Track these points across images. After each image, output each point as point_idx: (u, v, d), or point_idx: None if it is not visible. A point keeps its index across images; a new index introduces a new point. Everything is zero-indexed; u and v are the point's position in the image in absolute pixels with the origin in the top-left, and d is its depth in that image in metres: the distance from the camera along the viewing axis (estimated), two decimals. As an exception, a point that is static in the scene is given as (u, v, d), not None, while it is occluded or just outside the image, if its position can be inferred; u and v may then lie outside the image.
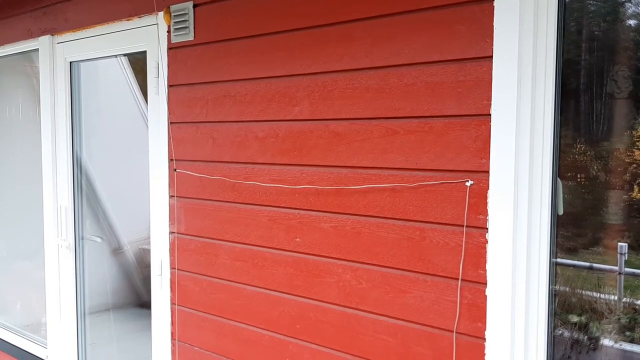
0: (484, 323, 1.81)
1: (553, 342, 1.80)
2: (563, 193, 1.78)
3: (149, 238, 2.87)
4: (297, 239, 2.27)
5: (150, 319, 2.89)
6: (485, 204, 1.78)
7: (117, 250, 4.18)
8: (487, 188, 1.78)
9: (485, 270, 1.80)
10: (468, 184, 1.82)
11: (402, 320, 2.00)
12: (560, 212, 1.78)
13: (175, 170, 2.66)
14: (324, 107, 2.15)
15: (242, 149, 2.42)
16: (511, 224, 1.73)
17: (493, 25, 1.73)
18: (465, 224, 1.83)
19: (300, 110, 2.22)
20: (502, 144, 1.74)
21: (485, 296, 1.80)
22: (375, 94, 2.01)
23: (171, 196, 2.71)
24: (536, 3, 1.69)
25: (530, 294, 1.76)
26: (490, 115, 1.76)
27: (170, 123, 2.68)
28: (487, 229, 1.78)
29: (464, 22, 1.79)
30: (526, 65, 1.71)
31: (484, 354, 1.81)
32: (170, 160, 2.69)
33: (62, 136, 3.34)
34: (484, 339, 1.81)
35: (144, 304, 3.61)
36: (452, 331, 1.88)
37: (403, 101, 1.95)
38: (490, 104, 1.75)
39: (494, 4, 1.72)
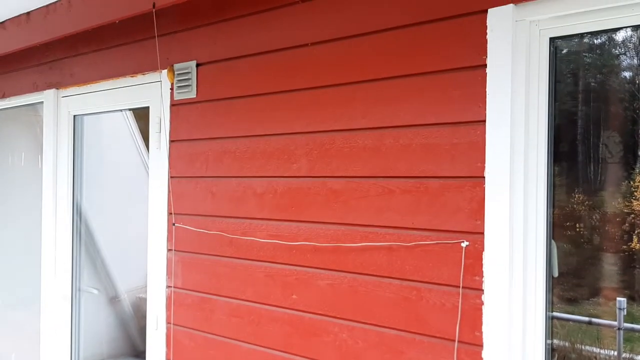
0: (481, 387, 1.79)
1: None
2: (557, 255, 1.79)
3: (146, 287, 2.86)
4: (294, 296, 2.27)
5: (145, 374, 2.85)
6: (481, 265, 1.79)
7: (114, 299, 4.14)
8: (483, 249, 1.79)
9: (482, 332, 1.79)
10: (464, 244, 1.83)
11: (399, 381, 1.98)
12: (555, 274, 1.79)
13: (174, 224, 2.68)
14: (321, 165, 2.18)
15: (241, 204, 2.44)
16: (507, 286, 1.73)
17: (486, 91, 1.78)
18: (461, 285, 1.83)
19: (298, 167, 2.25)
20: (496, 206, 1.76)
21: (482, 359, 1.78)
22: (372, 154, 2.05)
23: (169, 250, 2.71)
24: (527, 70, 1.75)
25: (526, 357, 1.74)
26: (484, 177, 1.79)
27: (171, 177, 2.71)
28: (483, 290, 1.79)
29: (458, 87, 1.85)
30: (518, 128, 1.75)
31: (482, 419, 1.78)
32: (170, 214, 2.71)
33: (63, 187, 3.37)
34: (481, 403, 1.78)
35: (139, 354, 3.56)
36: (449, 394, 1.85)
37: (399, 161, 1.98)
38: (484, 167, 1.79)
39: (487, 71, 1.78)
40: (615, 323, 1.94)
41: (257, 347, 2.37)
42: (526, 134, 1.75)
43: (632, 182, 1.84)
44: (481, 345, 1.79)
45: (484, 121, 1.78)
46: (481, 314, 1.79)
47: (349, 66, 2.11)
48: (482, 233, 1.79)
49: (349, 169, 2.11)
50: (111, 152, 4.19)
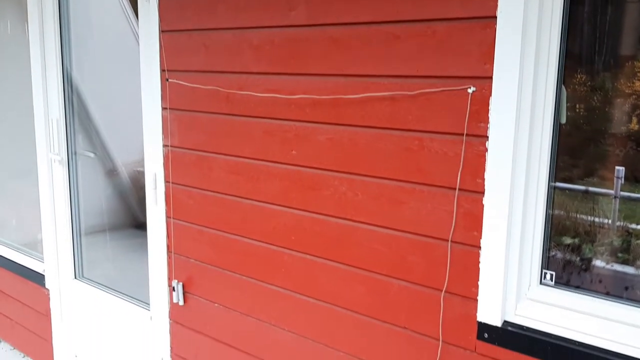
0: (480, 232, 1.80)
1: (549, 249, 1.81)
2: (567, 101, 1.73)
3: (144, 160, 2.82)
4: (293, 152, 2.23)
5: (147, 238, 2.89)
6: (487, 111, 1.74)
7: (111, 172, 4.14)
8: (490, 95, 1.72)
9: (484, 179, 1.77)
10: (470, 90, 1.76)
11: (397, 230, 2.00)
12: (563, 120, 1.74)
13: (167, 80, 2.58)
14: (321, 11, 2.05)
15: (236, 57, 2.33)
16: (512, 131, 1.69)
17: None
18: (465, 133, 1.79)
19: (296, 15, 2.12)
20: (507, 48, 1.67)
21: (483, 205, 1.78)
22: (376, -3, 1.91)
23: (164, 108, 2.64)
24: None
25: (528, 201, 1.74)
26: (496, 17, 1.68)
27: (162, 31, 2.57)
28: (488, 137, 1.74)
29: None
30: (537, -37, 1.62)
31: (479, 262, 1.81)
32: (162, 70, 2.60)
33: (50, 48, 3.24)
34: (479, 247, 1.81)
35: (140, 225, 3.62)
36: (447, 240, 1.88)
37: (406, 4, 1.85)
38: (497, 5, 1.67)
39: None
40: (612, 192, 1.93)
41: (256, 202, 2.38)
42: (544, -32, 1.62)
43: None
44: (482, 192, 1.78)
45: (500, -47, 1.64)
46: (484, 160, 1.76)
47: None
48: (490, 78, 1.72)
49: (351, 15, 1.98)
50: (99, 19, 4.00)
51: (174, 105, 2.60)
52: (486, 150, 1.75)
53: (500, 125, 1.71)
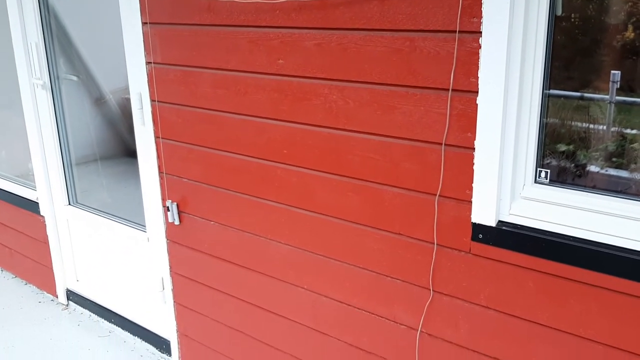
0: (474, 133, 1.76)
1: (544, 148, 1.78)
2: (562, 10, 1.65)
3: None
4: (280, 61, 2.15)
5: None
6: (480, 4, 1.65)
7: (99, 100, 4.04)
8: (483, -14, 1.64)
9: (477, 78, 1.71)
10: (462, -17, 1.67)
11: (390, 137, 1.96)
12: (559, 12, 1.66)
13: (145, -9, 2.46)
14: None
15: (216, -37, 2.21)
16: (506, 24, 1.61)
17: None
18: (457, 29, 1.71)
19: None
20: None
21: (476, 105, 1.73)
22: None
23: (144, 23, 2.52)
24: None
25: (523, 97, 1.69)
26: None
27: (135, -61, 2.42)
28: (481, 32, 1.67)
29: None
30: None
31: (473, 164, 1.79)
32: (139, -18, 2.47)
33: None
34: (473, 148, 1.77)
35: (132, 153, 3.57)
36: (441, 144, 1.84)
37: None
38: None
39: None
40: (607, 97, 1.87)
41: (245, 116, 2.32)
42: None
43: None
44: (476, 92, 1.72)
45: None
46: (478, 58, 1.69)
47: None
48: (484, -33, 1.62)
49: None
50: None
51: (154, 19, 2.48)
52: (479, 46, 1.68)
53: (494, 19, 1.62)
